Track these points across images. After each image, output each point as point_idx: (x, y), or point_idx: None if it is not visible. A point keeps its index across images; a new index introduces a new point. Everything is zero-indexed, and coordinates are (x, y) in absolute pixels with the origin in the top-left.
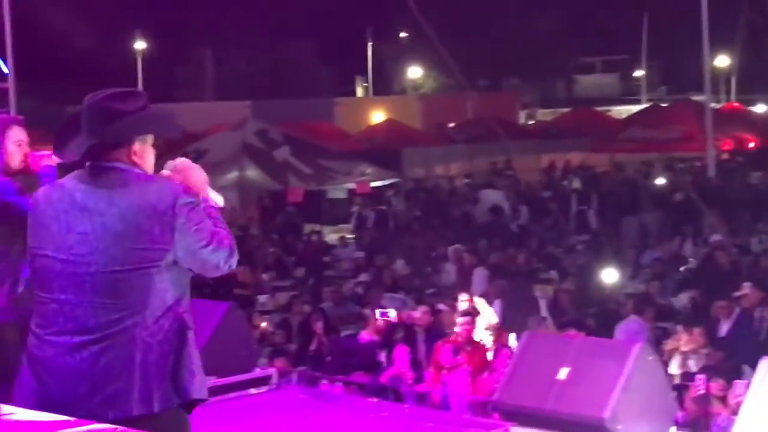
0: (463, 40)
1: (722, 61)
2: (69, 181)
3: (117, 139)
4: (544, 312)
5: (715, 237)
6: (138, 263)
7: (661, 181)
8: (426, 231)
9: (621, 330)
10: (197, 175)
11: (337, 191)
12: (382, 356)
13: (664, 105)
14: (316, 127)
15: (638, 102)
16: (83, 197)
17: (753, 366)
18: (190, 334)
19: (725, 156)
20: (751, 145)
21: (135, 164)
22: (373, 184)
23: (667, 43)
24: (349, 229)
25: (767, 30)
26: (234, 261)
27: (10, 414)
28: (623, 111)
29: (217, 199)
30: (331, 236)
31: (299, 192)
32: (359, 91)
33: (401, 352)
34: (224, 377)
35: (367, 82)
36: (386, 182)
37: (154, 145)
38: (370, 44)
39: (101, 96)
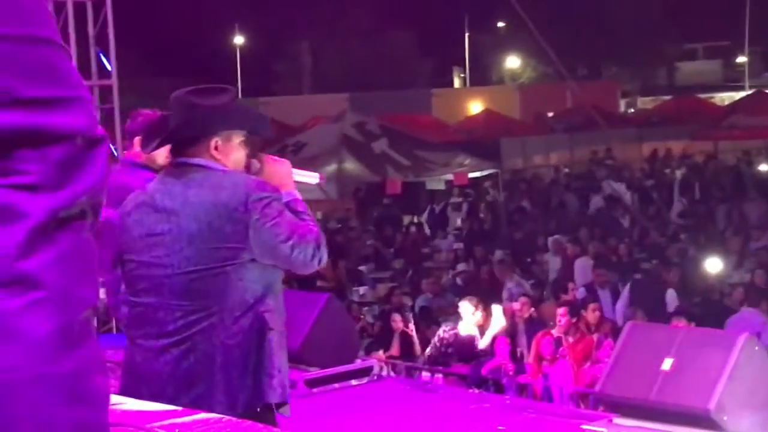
0: (562, 29)
1: None
2: (154, 181)
3: (192, 133)
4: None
5: None
6: (212, 263)
7: (765, 168)
8: (526, 222)
9: (733, 322)
10: (278, 169)
11: (436, 182)
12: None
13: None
14: (414, 119)
15: (741, 89)
16: (161, 197)
17: None
18: (271, 335)
19: None
20: None
21: (216, 161)
22: (471, 174)
23: None
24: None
25: None
26: (323, 255)
27: (119, 404)
28: (726, 98)
29: (310, 179)
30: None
31: (397, 184)
32: (456, 82)
33: (502, 343)
34: (325, 368)
35: (464, 72)
36: (484, 173)
37: (250, 141)
38: (467, 34)
39: (183, 91)
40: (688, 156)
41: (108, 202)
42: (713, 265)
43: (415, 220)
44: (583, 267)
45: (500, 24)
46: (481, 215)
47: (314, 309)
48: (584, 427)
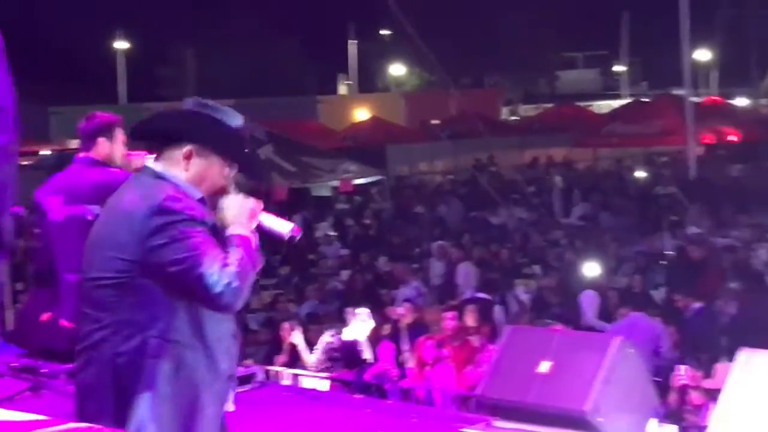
0: (446, 37)
1: (702, 55)
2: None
3: (165, 126)
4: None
5: (693, 230)
6: (108, 272)
7: (642, 175)
8: (411, 227)
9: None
10: (239, 206)
11: (321, 189)
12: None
13: (645, 100)
14: (300, 125)
15: (619, 97)
16: (110, 201)
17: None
18: (153, 363)
19: (706, 150)
20: (733, 138)
21: (181, 171)
22: (357, 181)
23: (648, 38)
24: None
25: (747, 23)
26: (233, 297)
27: None
28: (605, 106)
29: (282, 228)
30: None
31: (283, 190)
32: (342, 89)
33: (386, 348)
34: None
35: (350, 79)
36: (370, 180)
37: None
38: (352, 42)
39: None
40: (568, 163)
41: (81, 199)
42: (591, 269)
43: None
44: (465, 272)
45: (385, 32)
46: (367, 221)
47: None
48: (464, 430)
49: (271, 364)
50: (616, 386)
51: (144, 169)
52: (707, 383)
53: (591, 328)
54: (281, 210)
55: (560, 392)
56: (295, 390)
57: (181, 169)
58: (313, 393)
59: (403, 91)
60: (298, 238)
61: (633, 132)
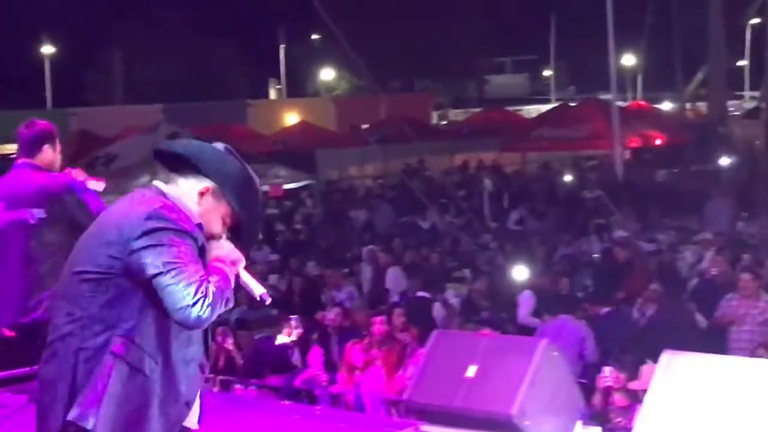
0: (375, 42)
1: (628, 60)
2: None
3: (192, 156)
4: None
5: (619, 233)
6: (91, 266)
7: (569, 179)
8: (340, 232)
9: (547, 329)
10: (229, 252)
11: None
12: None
13: (572, 104)
14: (230, 130)
15: (548, 101)
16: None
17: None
18: (111, 360)
19: (632, 154)
20: (658, 142)
21: (187, 201)
22: (287, 186)
23: (575, 43)
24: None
25: (672, 28)
26: (201, 313)
27: None
28: (533, 110)
29: (255, 288)
30: None
31: None
32: (273, 94)
33: (315, 354)
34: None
35: (280, 84)
36: (300, 184)
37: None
38: (282, 46)
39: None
40: (497, 167)
41: (24, 204)
42: (519, 273)
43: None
44: (395, 276)
45: (315, 37)
46: (297, 226)
47: None
48: None
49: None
50: (542, 389)
51: (151, 187)
52: (633, 385)
53: (526, 327)
54: None
55: (487, 396)
56: (223, 396)
57: (192, 202)
58: (241, 399)
59: (333, 95)
60: (266, 302)
61: (560, 136)
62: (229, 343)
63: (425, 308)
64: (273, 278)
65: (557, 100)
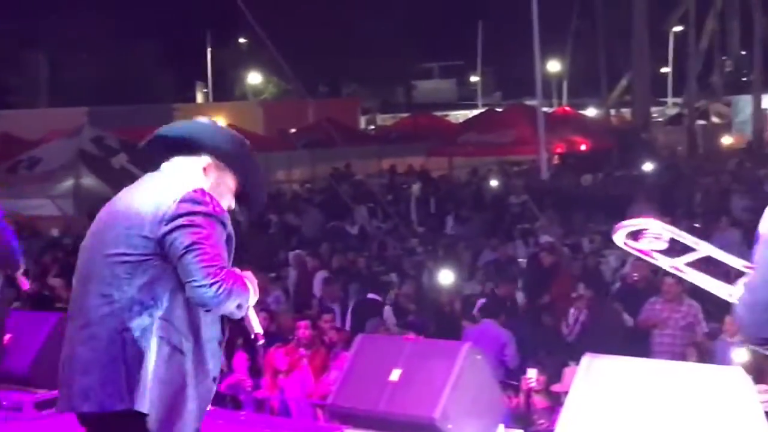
0: (303, 46)
1: (554, 66)
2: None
3: (189, 136)
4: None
5: (545, 238)
6: (128, 248)
7: (496, 184)
8: (267, 236)
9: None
10: (251, 279)
11: None
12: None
13: (498, 110)
14: None
15: (475, 107)
16: (125, 189)
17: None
18: (162, 345)
19: (558, 159)
20: (583, 147)
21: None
22: None
23: (501, 49)
24: None
25: (597, 35)
26: (219, 295)
27: None
28: (460, 116)
29: (254, 325)
30: None
31: None
32: (199, 97)
33: (240, 358)
34: (55, 390)
35: (207, 87)
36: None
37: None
38: (209, 49)
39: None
40: (424, 171)
41: None
42: (445, 277)
43: None
44: (322, 280)
45: (242, 40)
46: None
47: (44, 329)
48: None
49: None
50: (464, 393)
51: (162, 171)
52: (555, 387)
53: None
54: None
55: (410, 400)
56: None
57: (201, 179)
58: None
59: (261, 99)
60: (259, 343)
61: (487, 141)
62: None
63: (376, 310)
64: None
65: (484, 105)
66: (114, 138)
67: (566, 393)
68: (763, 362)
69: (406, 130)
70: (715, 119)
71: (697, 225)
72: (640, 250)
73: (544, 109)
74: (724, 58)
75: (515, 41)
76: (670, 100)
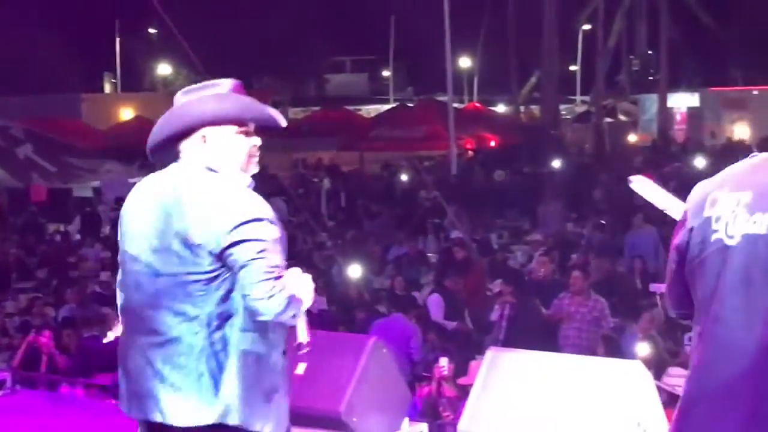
0: (213, 38)
1: (465, 62)
2: (152, 176)
3: (173, 129)
4: None
5: (455, 233)
6: (191, 267)
7: (406, 178)
8: None
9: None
10: (306, 283)
11: (83, 189)
12: None
13: (410, 105)
14: (62, 124)
15: (387, 101)
16: (155, 192)
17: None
18: (248, 356)
19: (468, 154)
20: (492, 143)
21: (209, 154)
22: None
23: (413, 45)
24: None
25: (508, 33)
26: (275, 307)
27: None
28: (373, 110)
29: (302, 335)
30: (77, 236)
31: (43, 190)
32: (107, 87)
33: None
34: None
35: (115, 78)
36: (134, 181)
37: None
38: (118, 39)
39: (179, 92)
40: (333, 166)
41: None
42: (354, 271)
43: (62, 228)
44: None
45: (151, 30)
46: None
47: None
48: None
49: (27, 369)
50: (370, 386)
51: (183, 163)
52: (462, 380)
53: (440, 326)
54: (42, 212)
55: (316, 394)
56: (49, 396)
57: (204, 153)
58: (67, 398)
59: (171, 90)
60: (302, 352)
61: (398, 136)
62: (52, 342)
63: None
64: (105, 275)
65: (396, 100)
66: (19, 128)
67: (471, 386)
68: (664, 356)
69: (317, 124)
70: (622, 117)
71: (603, 222)
72: None
73: (455, 105)
74: (631, 57)
75: (427, 37)
76: (578, 98)
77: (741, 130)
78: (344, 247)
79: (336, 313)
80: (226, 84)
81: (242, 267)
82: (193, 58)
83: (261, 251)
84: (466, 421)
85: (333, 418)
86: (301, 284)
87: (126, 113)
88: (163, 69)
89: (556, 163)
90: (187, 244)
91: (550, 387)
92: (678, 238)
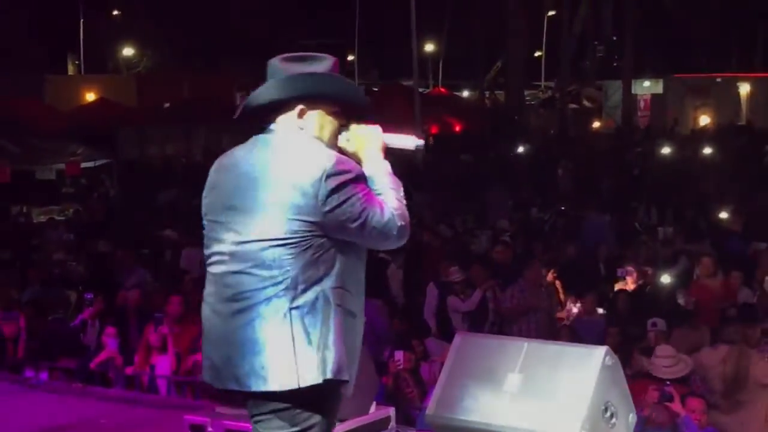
0: (178, 20)
1: (430, 46)
2: (242, 145)
3: (271, 97)
4: None
5: (422, 218)
6: (284, 233)
7: None
8: (139, 212)
9: None
10: (368, 137)
11: (47, 172)
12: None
13: (375, 89)
14: (24, 105)
15: None
16: (244, 162)
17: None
18: (337, 311)
19: (433, 139)
20: (457, 128)
21: (302, 129)
22: (85, 164)
23: (378, 29)
24: (57, 211)
25: (473, 17)
26: (403, 236)
27: None
28: None
29: (406, 143)
30: (40, 218)
31: (5, 172)
32: (71, 69)
33: (110, 335)
34: None
35: (78, 59)
36: (98, 163)
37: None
38: (82, 20)
39: (278, 57)
40: None
41: None
42: None
43: (24, 210)
44: (190, 256)
45: (116, 12)
46: (94, 206)
47: None
48: (188, 416)
49: None
50: None
51: (268, 132)
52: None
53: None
54: (3, 193)
55: None
56: (12, 379)
57: (304, 126)
58: (31, 382)
59: (135, 72)
60: (421, 146)
61: None
62: (18, 325)
63: None
64: (68, 258)
65: (361, 84)
66: None
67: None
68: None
69: None
70: (586, 103)
71: (563, 207)
72: None
73: (420, 89)
74: (596, 43)
75: (392, 21)
76: (543, 83)
77: (704, 117)
78: None
79: None
80: (327, 61)
81: (359, 226)
82: (158, 39)
83: (364, 203)
84: (433, 406)
85: None
86: (370, 148)
87: (90, 95)
88: (127, 51)
89: (520, 149)
90: (278, 208)
91: (519, 372)
92: None
